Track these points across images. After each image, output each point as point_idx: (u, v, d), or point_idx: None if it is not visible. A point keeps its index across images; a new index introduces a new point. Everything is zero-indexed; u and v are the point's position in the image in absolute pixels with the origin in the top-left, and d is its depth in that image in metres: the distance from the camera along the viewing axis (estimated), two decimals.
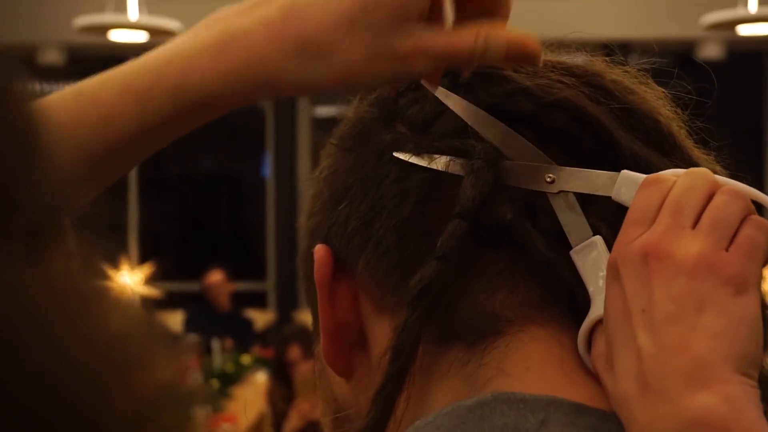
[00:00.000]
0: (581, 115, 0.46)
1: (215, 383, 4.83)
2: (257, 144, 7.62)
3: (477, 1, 0.46)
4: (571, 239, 0.44)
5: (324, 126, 7.80)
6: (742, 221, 0.42)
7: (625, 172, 0.45)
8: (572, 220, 0.44)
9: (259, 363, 5.09)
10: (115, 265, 5.68)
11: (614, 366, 0.41)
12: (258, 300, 7.00)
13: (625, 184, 0.44)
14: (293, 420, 3.82)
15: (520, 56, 0.46)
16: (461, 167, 0.46)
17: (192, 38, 0.41)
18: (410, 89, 0.48)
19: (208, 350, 5.03)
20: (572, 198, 0.45)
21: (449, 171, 0.46)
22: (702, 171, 0.44)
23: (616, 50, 0.52)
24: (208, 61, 0.39)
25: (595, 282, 0.44)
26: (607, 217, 0.45)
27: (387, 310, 0.47)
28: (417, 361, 0.45)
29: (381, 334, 0.47)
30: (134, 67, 0.40)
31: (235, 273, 6.14)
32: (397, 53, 0.42)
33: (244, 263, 7.60)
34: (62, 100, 0.40)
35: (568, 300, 0.45)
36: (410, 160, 0.46)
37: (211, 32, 0.40)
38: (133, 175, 7.43)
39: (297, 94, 0.45)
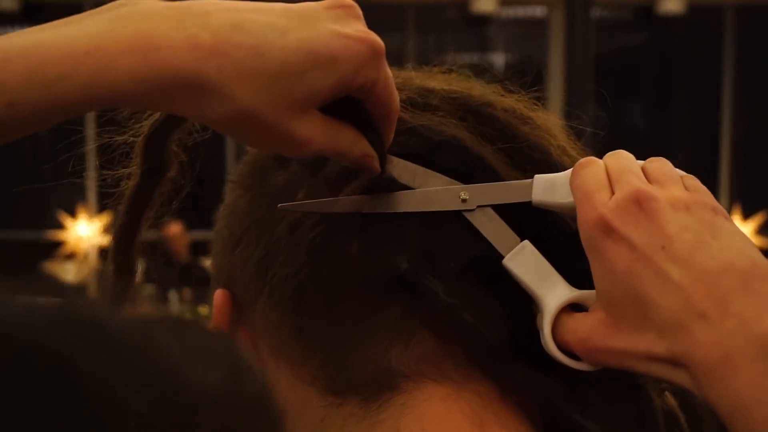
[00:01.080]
0: (467, 156, 0.46)
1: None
2: None
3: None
4: (500, 249, 0.44)
5: None
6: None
7: (538, 176, 0.45)
8: (496, 232, 0.45)
9: None
10: (73, 215, 5.65)
11: (650, 312, 0.40)
12: None
13: (542, 186, 0.45)
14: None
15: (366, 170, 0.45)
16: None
17: (109, 30, 0.37)
18: None
19: (165, 301, 5.02)
20: (490, 211, 0.45)
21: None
22: (623, 153, 0.46)
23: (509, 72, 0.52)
24: (125, 64, 0.36)
25: (542, 278, 0.44)
26: (523, 224, 0.45)
27: (283, 358, 0.47)
28: (305, 415, 0.45)
29: (278, 383, 0.47)
30: (44, 50, 0.36)
31: (192, 222, 6.10)
32: (291, 135, 0.40)
33: (202, 212, 7.57)
34: None
35: (464, 348, 0.44)
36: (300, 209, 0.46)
37: (131, 29, 0.37)
38: (90, 121, 7.33)
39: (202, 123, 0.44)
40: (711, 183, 5.90)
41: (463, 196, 0.45)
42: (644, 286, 0.41)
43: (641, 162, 0.45)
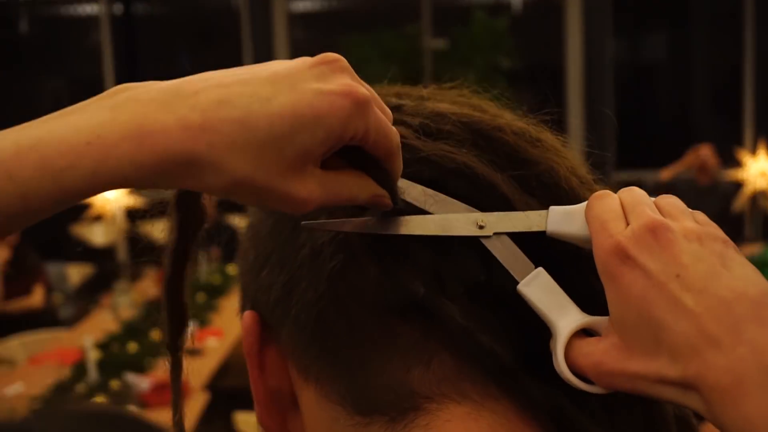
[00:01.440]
0: (478, 182, 0.47)
1: (202, 296, 4.87)
2: (233, 43, 7.51)
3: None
4: (516, 275, 0.45)
5: (301, 21, 7.69)
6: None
7: (553, 207, 0.47)
8: (512, 258, 0.46)
9: None
10: None
11: (663, 337, 0.42)
12: (241, 205, 7.04)
13: (557, 217, 0.46)
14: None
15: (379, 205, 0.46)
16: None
17: (108, 119, 0.39)
18: None
19: (194, 261, 5.05)
20: (506, 239, 0.46)
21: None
22: (636, 189, 0.47)
23: None
24: (125, 151, 0.38)
25: (555, 304, 0.45)
26: (538, 251, 0.47)
27: (311, 379, 0.48)
28: None
29: (307, 400, 0.48)
30: (51, 142, 0.38)
31: None
32: (289, 195, 0.42)
33: None
34: None
35: (483, 369, 0.45)
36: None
37: (127, 117, 0.39)
38: (108, 77, 7.34)
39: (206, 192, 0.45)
40: (735, 117, 5.84)
41: (480, 222, 0.46)
42: (659, 311, 0.42)
43: (653, 198, 0.47)
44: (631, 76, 7.85)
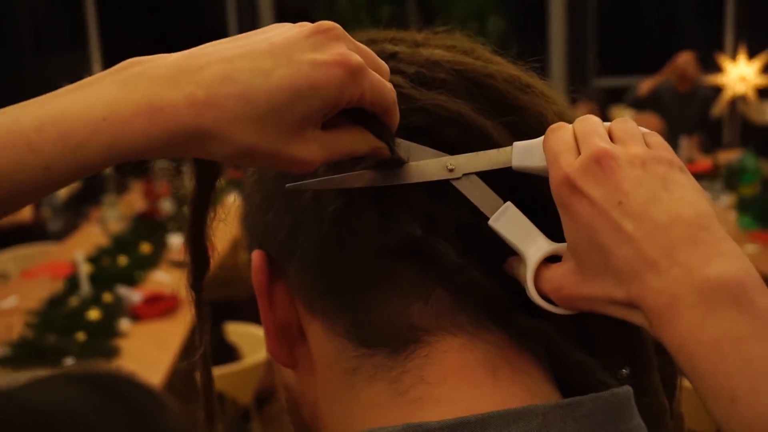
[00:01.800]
0: (471, 129, 0.50)
1: (188, 209, 4.91)
2: None
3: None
4: (486, 212, 0.48)
5: None
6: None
7: (517, 143, 0.49)
8: (481, 196, 0.49)
9: (232, 185, 5.11)
10: None
11: (609, 261, 0.44)
12: None
13: (521, 152, 0.49)
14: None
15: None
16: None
17: (121, 95, 0.42)
18: None
19: (179, 173, 5.05)
20: (475, 178, 0.49)
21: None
22: (591, 118, 0.49)
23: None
24: (138, 126, 0.42)
25: (524, 234, 0.48)
26: (507, 188, 0.49)
27: (318, 313, 0.51)
28: (339, 362, 0.50)
29: (314, 332, 0.52)
30: (70, 117, 0.42)
31: None
32: (292, 158, 0.45)
33: None
34: None
35: (475, 303, 0.48)
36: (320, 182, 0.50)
37: (137, 95, 0.43)
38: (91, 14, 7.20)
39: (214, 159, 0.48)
40: (717, 23, 5.79)
41: (449, 166, 0.49)
42: (604, 238, 0.44)
43: (608, 123, 0.49)
44: None
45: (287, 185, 0.50)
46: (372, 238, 0.49)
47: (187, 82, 0.43)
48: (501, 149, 0.49)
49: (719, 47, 7.19)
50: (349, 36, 0.47)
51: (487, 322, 0.49)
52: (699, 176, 4.96)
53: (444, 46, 0.55)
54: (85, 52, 7.27)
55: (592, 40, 7.09)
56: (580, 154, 0.47)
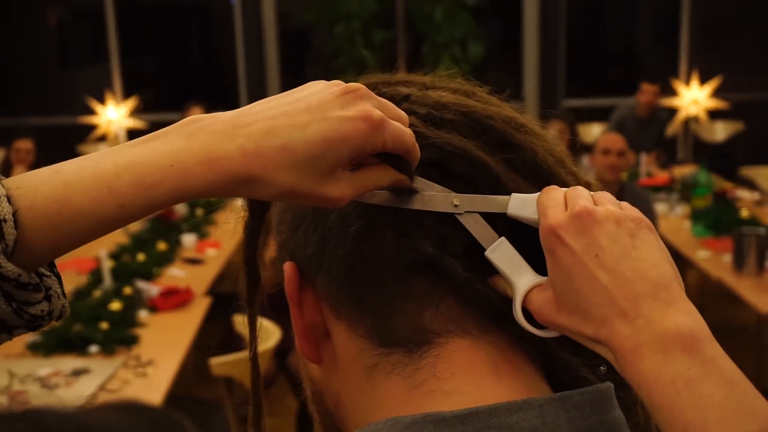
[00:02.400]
0: (474, 163, 0.52)
1: (200, 212, 4.88)
2: None
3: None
4: (484, 244, 0.51)
5: None
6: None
7: (514, 194, 0.52)
8: (481, 231, 0.51)
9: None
10: (102, 101, 5.55)
11: (582, 304, 0.48)
12: None
13: (516, 203, 0.51)
14: (273, 248, 3.83)
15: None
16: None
17: (185, 146, 0.47)
18: None
19: None
20: (477, 216, 0.51)
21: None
22: (579, 187, 0.52)
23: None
24: (199, 172, 0.46)
25: (514, 266, 0.51)
26: (502, 226, 0.52)
27: (342, 317, 0.53)
28: (360, 359, 0.52)
29: (339, 333, 0.54)
30: (143, 164, 0.46)
31: (210, 101, 6.09)
32: (325, 196, 0.48)
33: (219, 90, 7.51)
34: (81, 184, 0.46)
35: (480, 310, 0.51)
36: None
37: (198, 146, 0.46)
38: (109, 8, 7.18)
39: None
40: (672, 52, 5.79)
41: (455, 202, 0.51)
42: (579, 284, 0.48)
43: (593, 193, 0.52)
44: (581, 13, 7.80)
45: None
46: (390, 254, 0.51)
47: (239, 136, 0.46)
48: (500, 196, 0.52)
49: (674, 73, 7.24)
50: (373, 94, 0.50)
51: (489, 327, 0.51)
52: (658, 188, 5.03)
53: (449, 89, 0.58)
54: (106, 68, 7.25)
55: (562, 64, 7.12)
56: (567, 211, 0.50)
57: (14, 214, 0.45)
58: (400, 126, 0.50)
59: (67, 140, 6.71)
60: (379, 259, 0.51)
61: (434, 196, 0.51)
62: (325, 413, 0.58)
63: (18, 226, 0.45)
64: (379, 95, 0.55)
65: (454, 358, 0.50)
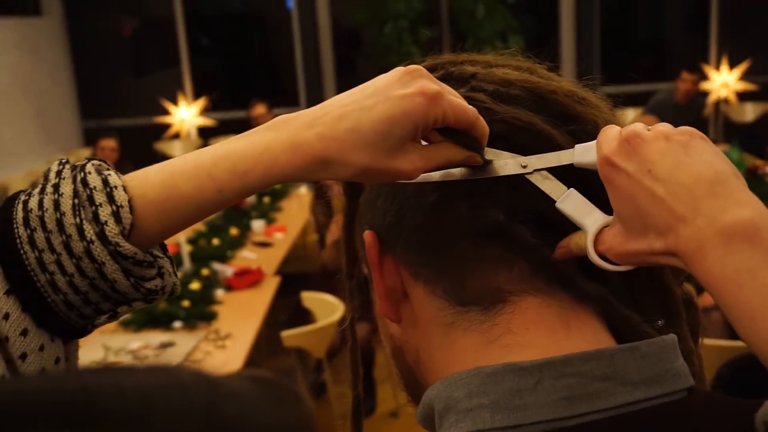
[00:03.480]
0: (541, 136, 0.52)
1: (267, 199, 4.91)
2: None
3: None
4: (554, 197, 0.50)
5: None
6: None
7: (577, 145, 0.51)
8: (550, 186, 0.50)
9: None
10: (175, 102, 5.64)
11: (647, 221, 0.46)
12: None
13: (580, 151, 0.51)
14: (334, 231, 3.85)
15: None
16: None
17: (273, 137, 0.49)
18: None
19: None
20: (545, 172, 0.51)
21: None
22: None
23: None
24: (285, 159, 0.48)
25: (585, 212, 0.50)
26: (571, 180, 0.51)
27: (420, 279, 0.53)
28: (438, 318, 0.52)
29: (417, 294, 0.54)
30: (236, 154, 0.49)
31: (272, 98, 6.13)
32: (399, 170, 0.49)
33: (279, 89, 7.56)
34: (185, 174, 0.49)
35: (547, 272, 0.50)
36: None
37: (284, 136, 0.49)
38: (179, 17, 7.26)
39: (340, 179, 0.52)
40: (702, 37, 5.64)
41: (523, 163, 0.51)
42: (641, 202, 0.46)
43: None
44: (613, 3, 7.65)
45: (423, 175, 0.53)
46: (464, 222, 0.51)
47: (317, 125, 0.48)
48: (565, 151, 0.51)
49: (704, 58, 7.06)
50: (431, 75, 0.50)
51: (558, 286, 0.51)
52: None
53: (512, 66, 0.57)
54: (177, 71, 7.35)
55: (597, 53, 7.00)
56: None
57: (129, 201, 0.49)
58: (459, 101, 0.50)
59: (145, 138, 6.83)
60: (454, 227, 0.51)
61: (504, 164, 0.51)
62: (405, 368, 0.58)
63: (133, 211, 0.49)
64: (447, 74, 0.56)
65: (528, 315, 0.50)
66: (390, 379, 3.45)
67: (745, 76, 6.79)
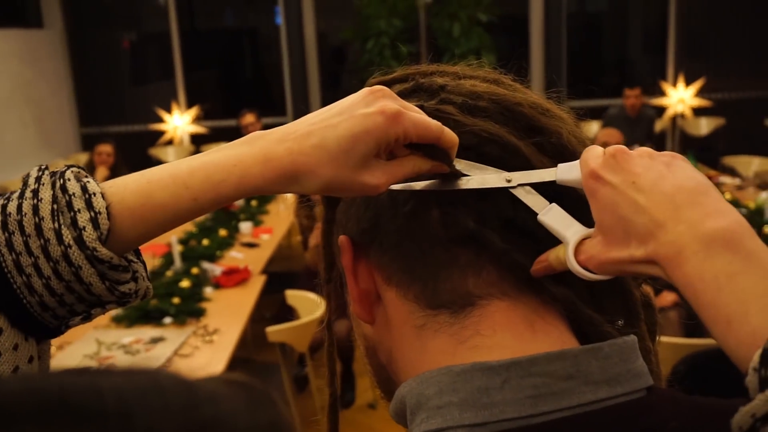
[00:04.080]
0: (507, 147, 0.51)
1: (255, 203, 4.90)
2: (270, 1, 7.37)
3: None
4: (536, 210, 0.50)
5: None
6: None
7: (560, 164, 0.50)
8: (533, 200, 0.50)
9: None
10: (169, 110, 5.62)
11: (629, 229, 0.45)
12: None
13: (563, 169, 0.50)
14: (316, 234, 3.79)
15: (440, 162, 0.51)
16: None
17: (246, 151, 0.49)
18: None
19: None
20: (528, 187, 0.50)
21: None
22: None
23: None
24: (257, 171, 0.48)
25: (565, 225, 0.49)
26: (552, 194, 0.50)
27: (392, 283, 0.52)
28: (410, 320, 0.51)
29: (390, 297, 0.53)
30: (211, 165, 0.48)
31: (261, 109, 6.11)
32: (364, 184, 0.49)
33: (268, 100, 7.53)
34: (162, 182, 0.48)
35: (515, 276, 0.49)
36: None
37: (256, 150, 0.48)
38: (174, 32, 7.22)
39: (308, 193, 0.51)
40: (661, 57, 5.73)
41: (508, 178, 0.50)
42: (623, 211, 0.45)
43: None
44: (579, 26, 7.71)
45: (392, 186, 0.52)
46: (437, 229, 0.50)
47: (287, 141, 0.48)
48: (547, 169, 0.51)
49: (662, 76, 7.14)
50: (395, 95, 0.50)
51: (525, 289, 0.50)
52: None
53: (479, 78, 0.56)
54: (172, 82, 7.30)
55: (564, 70, 7.04)
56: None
57: (107, 207, 0.47)
58: (421, 117, 0.49)
59: (141, 144, 6.78)
60: (427, 233, 0.50)
61: (487, 178, 0.51)
62: (378, 366, 0.57)
63: (110, 217, 0.47)
64: (417, 85, 0.55)
65: (496, 317, 0.49)
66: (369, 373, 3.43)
67: (700, 93, 6.88)
